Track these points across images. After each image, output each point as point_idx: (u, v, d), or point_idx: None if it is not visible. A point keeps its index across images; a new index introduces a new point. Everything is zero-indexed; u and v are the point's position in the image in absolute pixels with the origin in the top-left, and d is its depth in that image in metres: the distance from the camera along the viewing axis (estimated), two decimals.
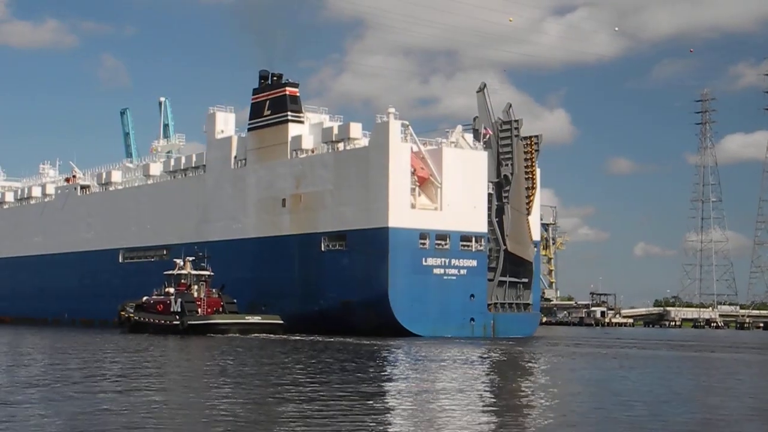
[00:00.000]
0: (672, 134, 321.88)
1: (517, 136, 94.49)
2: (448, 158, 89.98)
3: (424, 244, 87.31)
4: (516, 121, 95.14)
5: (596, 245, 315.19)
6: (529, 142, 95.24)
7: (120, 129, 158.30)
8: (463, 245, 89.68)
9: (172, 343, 69.99)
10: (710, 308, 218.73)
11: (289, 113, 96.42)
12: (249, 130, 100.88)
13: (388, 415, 28.03)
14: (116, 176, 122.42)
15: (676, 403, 33.41)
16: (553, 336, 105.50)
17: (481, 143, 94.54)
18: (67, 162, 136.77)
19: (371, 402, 30.60)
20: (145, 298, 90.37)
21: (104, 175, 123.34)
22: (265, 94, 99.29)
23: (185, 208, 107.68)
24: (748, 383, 44.71)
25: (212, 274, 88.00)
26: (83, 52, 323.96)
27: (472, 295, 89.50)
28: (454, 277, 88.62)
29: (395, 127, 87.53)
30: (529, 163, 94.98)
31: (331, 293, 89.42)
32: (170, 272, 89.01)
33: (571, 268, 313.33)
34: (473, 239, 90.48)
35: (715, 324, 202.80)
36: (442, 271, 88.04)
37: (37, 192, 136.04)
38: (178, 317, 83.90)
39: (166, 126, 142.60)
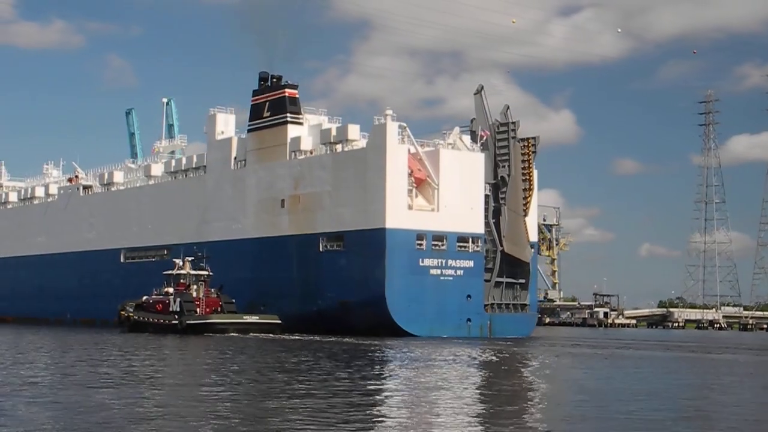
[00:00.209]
0: (677, 135, 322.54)
1: (514, 137, 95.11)
2: (445, 160, 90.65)
3: (421, 244, 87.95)
4: (513, 122, 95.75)
5: (601, 246, 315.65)
6: (526, 144, 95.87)
7: (125, 129, 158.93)
8: (459, 246, 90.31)
9: (169, 342, 70.64)
10: (713, 309, 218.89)
11: (288, 115, 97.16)
12: (249, 131, 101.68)
13: (370, 415, 28.41)
14: (118, 177, 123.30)
15: (649, 400, 33.92)
16: (553, 336, 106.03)
17: (479, 145, 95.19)
18: (70, 162, 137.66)
19: (354, 400, 31.19)
20: (144, 297, 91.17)
21: (106, 176, 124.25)
22: (264, 95, 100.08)
23: (186, 208, 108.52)
24: (730, 383, 45.18)
25: (211, 274, 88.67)
26: (89, 52, 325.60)
27: (469, 296, 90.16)
28: (451, 278, 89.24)
29: (392, 128, 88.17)
30: (527, 165, 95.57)
31: (329, 293, 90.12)
32: (169, 272, 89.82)
33: (576, 269, 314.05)
34: (470, 240, 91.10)
35: (718, 325, 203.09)
36: (438, 271, 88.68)
37: (40, 192, 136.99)
38: (176, 317, 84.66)
39: (171, 126, 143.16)
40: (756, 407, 34.46)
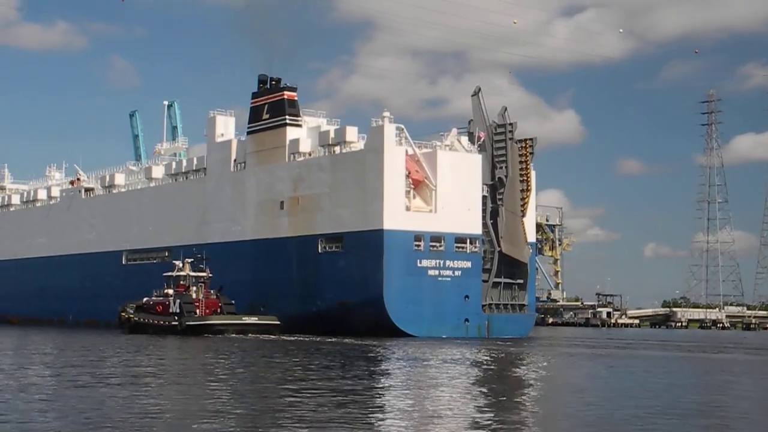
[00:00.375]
0: (681, 135, 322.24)
1: (511, 139, 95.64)
2: (442, 161, 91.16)
3: (418, 245, 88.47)
4: (510, 124, 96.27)
5: (606, 246, 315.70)
6: (523, 145, 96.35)
7: (129, 131, 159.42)
8: (457, 247, 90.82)
9: (168, 343, 71.20)
10: (717, 309, 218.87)
11: (287, 117, 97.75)
12: (248, 133, 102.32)
13: (365, 415, 28.60)
14: (119, 179, 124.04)
15: (629, 398, 34.39)
16: (553, 336, 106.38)
17: (476, 146, 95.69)
18: (73, 165, 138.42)
19: (347, 400, 31.64)
20: (144, 299, 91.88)
21: (108, 178, 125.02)
22: (263, 98, 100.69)
23: (186, 210, 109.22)
24: (716, 382, 45.60)
25: (211, 275, 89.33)
26: (92, 53, 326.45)
27: (467, 296, 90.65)
28: (449, 279, 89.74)
29: (390, 130, 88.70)
30: (524, 166, 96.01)
31: (328, 294, 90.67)
32: (169, 274, 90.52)
33: (581, 269, 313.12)
34: (468, 241, 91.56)
35: (721, 325, 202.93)
36: (436, 272, 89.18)
37: (42, 194, 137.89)
38: (176, 318, 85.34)
39: (174, 128, 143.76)
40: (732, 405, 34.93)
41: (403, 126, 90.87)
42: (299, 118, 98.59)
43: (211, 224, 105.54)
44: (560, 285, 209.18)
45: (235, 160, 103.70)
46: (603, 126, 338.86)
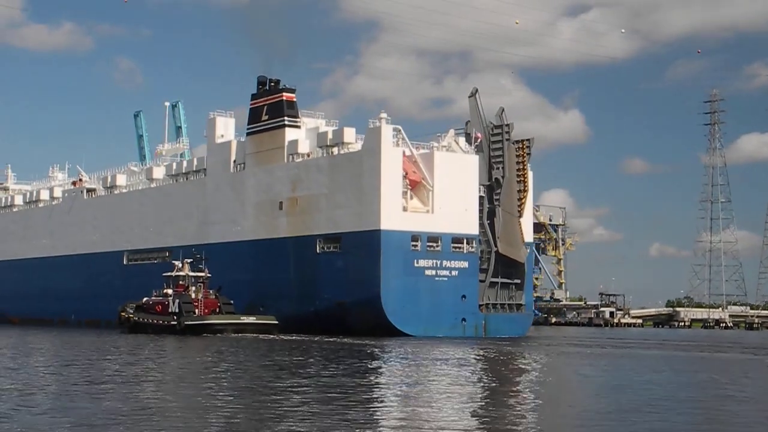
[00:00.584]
0: (686, 135, 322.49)
1: (508, 140, 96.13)
2: (439, 162, 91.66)
3: (415, 246, 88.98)
4: (507, 125, 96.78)
5: (611, 246, 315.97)
6: (521, 146, 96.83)
7: (134, 131, 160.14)
8: (454, 247, 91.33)
9: (167, 342, 71.75)
10: (720, 309, 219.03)
11: (285, 118, 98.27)
12: (247, 134, 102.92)
13: (360, 415, 28.82)
14: (121, 180, 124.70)
15: (616, 395, 34.89)
16: (552, 336, 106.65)
17: (473, 147, 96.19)
18: (75, 166, 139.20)
19: (342, 399, 32.08)
20: (144, 299, 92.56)
21: (109, 179, 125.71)
22: (262, 99, 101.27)
23: (186, 211, 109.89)
24: (706, 381, 46.00)
25: (210, 275, 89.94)
26: (98, 54, 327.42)
27: (464, 296, 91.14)
28: (446, 279, 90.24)
29: (387, 131, 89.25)
30: (521, 167, 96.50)
31: (326, 294, 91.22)
32: (169, 274, 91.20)
33: (586, 269, 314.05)
34: (464, 241, 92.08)
35: (724, 324, 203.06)
36: (433, 272, 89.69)
37: (45, 195, 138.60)
38: (175, 318, 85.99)
39: (179, 128, 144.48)
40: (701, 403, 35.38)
41: (400, 127, 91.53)
42: (298, 120, 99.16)
43: (211, 225, 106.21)
44: (563, 285, 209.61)
45: (234, 161, 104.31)
46: (607, 126, 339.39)
